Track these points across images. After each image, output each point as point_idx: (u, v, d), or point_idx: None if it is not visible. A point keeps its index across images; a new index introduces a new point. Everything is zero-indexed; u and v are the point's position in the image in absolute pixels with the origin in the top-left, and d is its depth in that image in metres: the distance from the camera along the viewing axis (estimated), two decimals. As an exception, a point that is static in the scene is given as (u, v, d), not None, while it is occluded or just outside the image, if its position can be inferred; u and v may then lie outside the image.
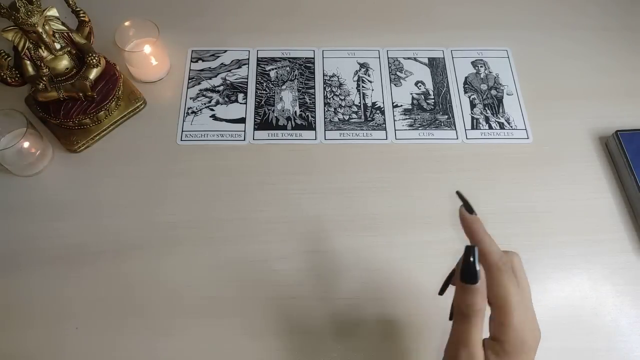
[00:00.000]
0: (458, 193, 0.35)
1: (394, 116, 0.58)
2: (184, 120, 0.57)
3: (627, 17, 0.66)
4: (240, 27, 0.64)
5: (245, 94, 0.59)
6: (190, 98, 0.58)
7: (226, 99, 0.58)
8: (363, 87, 0.60)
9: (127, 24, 0.57)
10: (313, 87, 0.59)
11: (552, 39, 0.64)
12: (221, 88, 0.59)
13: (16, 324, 0.45)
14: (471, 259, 0.31)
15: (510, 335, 0.30)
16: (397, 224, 0.51)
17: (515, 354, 0.30)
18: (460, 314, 0.31)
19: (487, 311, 0.31)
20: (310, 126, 0.57)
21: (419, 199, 0.52)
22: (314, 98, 0.59)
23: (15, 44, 0.48)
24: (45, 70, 0.49)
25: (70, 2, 0.51)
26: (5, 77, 0.50)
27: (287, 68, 0.61)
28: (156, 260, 0.48)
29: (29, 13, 0.46)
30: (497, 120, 0.58)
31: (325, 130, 0.57)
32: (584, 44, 0.64)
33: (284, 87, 0.59)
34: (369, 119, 0.57)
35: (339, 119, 0.57)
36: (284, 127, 0.57)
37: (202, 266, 0.48)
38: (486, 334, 0.32)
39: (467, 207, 0.34)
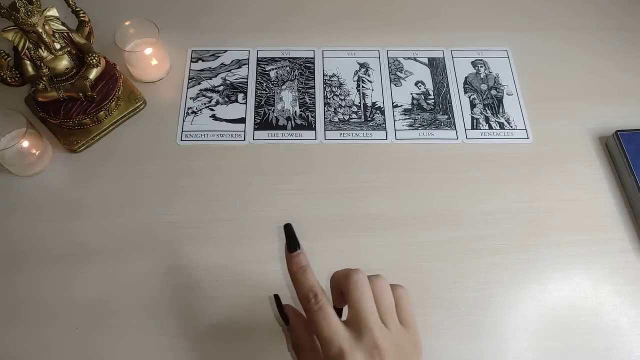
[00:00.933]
0: (286, 227, 0.35)
1: (394, 116, 0.58)
2: (184, 120, 0.57)
3: (627, 17, 0.66)
4: (241, 27, 0.64)
5: (245, 94, 0.59)
6: (190, 98, 0.58)
7: (226, 99, 0.58)
8: (363, 87, 0.60)
9: (127, 24, 0.57)
10: (313, 87, 0.59)
11: (552, 39, 0.64)
12: (221, 88, 0.59)
13: (16, 323, 0.45)
14: (277, 308, 0.37)
15: (324, 355, 0.31)
16: (397, 224, 0.51)
17: None
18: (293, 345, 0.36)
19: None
20: (310, 126, 0.57)
21: (419, 199, 0.52)
22: (314, 98, 0.59)
23: (15, 44, 0.48)
24: (45, 70, 0.49)
25: (70, 2, 0.51)
26: (5, 77, 0.50)
27: (287, 68, 0.61)
28: (156, 260, 0.48)
29: (29, 13, 0.46)
30: (497, 120, 0.58)
31: (325, 130, 0.57)
32: (584, 44, 0.64)
33: (284, 87, 0.59)
34: (369, 119, 0.57)
35: (339, 119, 0.57)
36: (284, 127, 0.57)
37: (202, 266, 0.48)
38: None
39: (289, 245, 0.35)
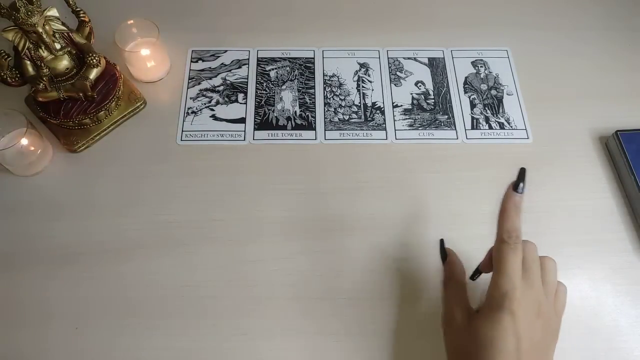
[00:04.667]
0: (521, 169, 0.39)
1: (394, 116, 0.58)
2: (184, 120, 0.57)
3: (627, 17, 0.66)
4: (241, 27, 0.64)
5: (245, 94, 0.59)
6: (190, 98, 0.58)
7: (226, 99, 0.58)
8: (363, 87, 0.60)
9: (127, 24, 0.57)
10: (313, 87, 0.59)
11: (552, 39, 0.64)
12: (221, 88, 0.59)
13: (16, 323, 0.45)
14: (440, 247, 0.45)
15: (491, 290, 0.35)
16: (397, 224, 0.51)
17: (489, 307, 0.35)
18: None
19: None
20: (310, 126, 0.57)
21: (418, 199, 0.52)
22: (314, 98, 0.59)
23: (15, 44, 0.48)
24: (45, 70, 0.49)
25: (70, 2, 0.51)
26: (5, 77, 0.50)
27: (287, 68, 0.61)
28: (156, 260, 0.48)
29: (29, 13, 0.46)
30: (497, 120, 0.58)
31: (325, 130, 0.57)
32: (584, 44, 0.64)
33: (284, 87, 0.59)
34: (369, 119, 0.57)
35: (339, 119, 0.57)
36: (284, 127, 0.57)
37: (202, 266, 0.48)
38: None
39: (516, 183, 0.39)
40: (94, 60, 0.51)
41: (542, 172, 0.54)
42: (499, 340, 0.33)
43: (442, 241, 0.45)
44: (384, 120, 0.57)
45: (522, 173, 0.39)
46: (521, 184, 0.39)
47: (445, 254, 0.44)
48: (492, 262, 0.37)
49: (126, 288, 0.47)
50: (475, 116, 0.58)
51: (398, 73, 0.61)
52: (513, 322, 0.33)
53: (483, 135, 0.57)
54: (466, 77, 0.61)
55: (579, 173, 0.55)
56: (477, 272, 0.44)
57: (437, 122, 0.58)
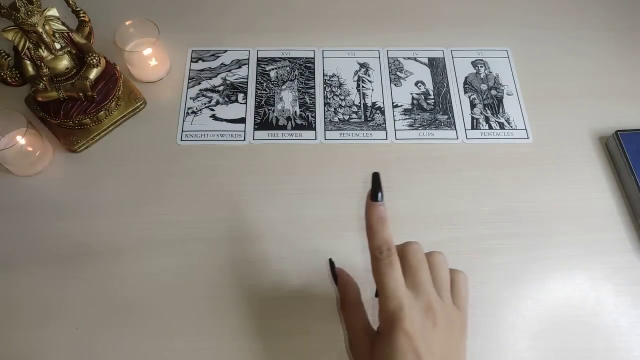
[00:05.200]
0: (374, 175, 0.35)
1: (394, 116, 0.58)
2: (184, 120, 0.57)
3: (627, 17, 0.66)
4: (241, 27, 0.64)
5: (245, 94, 0.59)
6: (190, 98, 0.58)
7: (226, 99, 0.58)
8: (363, 87, 0.60)
9: (127, 24, 0.57)
10: (313, 87, 0.59)
11: (552, 39, 0.64)
12: (221, 88, 0.59)
13: (16, 323, 0.45)
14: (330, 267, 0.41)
15: (380, 313, 0.33)
16: (396, 224, 0.51)
17: (383, 331, 0.33)
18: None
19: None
20: (310, 126, 0.57)
21: (418, 199, 0.52)
22: (314, 98, 0.59)
23: (15, 44, 0.48)
24: (45, 70, 0.49)
25: (70, 2, 0.51)
26: (5, 77, 0.50)
27: (287, 68, 0.61)
28: (157, 260, 0.48)
29: (29, 13, 0.46)
30: (497, 120, 0.58)
31: (325, 130, 0.57)
32: (584, 44, 0.64)
33: (284, 87, 0.59)
34: (369, 119, 0.57)
35: (339, 119, 0.57)
36: (284, 127, 0.57)
37: (202, 266, 0.48)
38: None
39: (373, 192, 0.35)
40: (94, 60, 0.51)
41: (542, 172, 0.54)
42: None
43: (331, 261, 0.42)
44: (384, 120, 0.57)
45: (375, 179, 0.35)
46: (379, 193, 0.35)
47: (335, 275, 0.41)
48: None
49: (126, 288, 0.47)
50: (475, 116, 0.58)
51: (398, 73, 0.61)
52: (409, 342, 0.31)
53: (483, 135, 0.57)
54: (466, 77, 0.61)
55: (579, 173, 0.55)
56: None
57: (437, 122, 0.58)
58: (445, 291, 0.35)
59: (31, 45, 0.49)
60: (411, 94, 0.60)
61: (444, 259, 0.36)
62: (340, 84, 0.60)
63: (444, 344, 0.32)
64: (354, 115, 0.58)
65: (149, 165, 0.54)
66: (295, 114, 0.58)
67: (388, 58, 0.62)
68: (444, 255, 0.37)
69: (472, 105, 0.59)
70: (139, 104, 0.57)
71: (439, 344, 0.32)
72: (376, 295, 0.38)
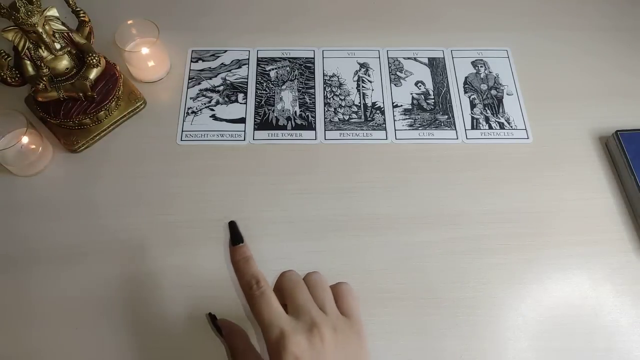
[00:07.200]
0: (230, 224, 0.37)
1: (394, 116, 0.58)
2: (184, 120, 0.57)
3: (627, 18, 0.66)
4: (241, 27, 0.64)
5: (245, 94, 0.59)
6: (190, 98, 0.58)
7: (226, 99, 0.58)
8: (363, 87, 0.60)
9: (127, 23, 0.57)
10: (313, 87, 0.59)
11: (552, 39, 0.64)
12: (221, 88, 0.59)
13: (16, 324, 0.45)
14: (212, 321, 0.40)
15: (266, 346, 0.32)
16: (397, 224, 0.51)
17: (270, 354, 0.32)
18: None
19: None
20: (310, 126, 0.57)
21: (419, 199, 0.52)
22: (314, 98, 0.59)
23: (15, 44, 0.48)
24: (45, 70, 0.49)
25: (70, 2, 0.51)
26: (5, 77, 0.50)
27: (287, 68, 0.61)
28: (157, 260, 0.48)
29: (29, 13, 0.46)
30: (497, 120, 0.58)
31: (325, 130, 0.57)
32: (585, 44, 0.64)
33: (284, 87, 0.59)
34: (369, 119, 0.57)
35: (339, 119, 0.57)
36: (284, 127, 0.57)
37: (202, 266, 0.48)
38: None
39: (233, 241, 0.36)
40: (94, 60, 0.51)
41: (542, 172, 0.54)
42: None
43: (211, 315, 0.41)
44: (384, 120, 0.57)
45: (232, 228, 0.37)
46: (236, 237, 0.36)
47: (219, 327, 0.40)
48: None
49: (126, 288, 0.47)
50: (475, 116, 0.58)
51: (398, 73, 0.61)
52: None
53: (483, 135, 0.57)
54: (466, 77, 0.61)
55: (578, 173, 0.55)
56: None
57: (437, 122, 0.58)
58: (328, 304, 0.34)
59: (31, 46, 0.49)
60: (411, 94, 0.60)
61: (319, 275, 0.36)
62: (340, 84, 0.60)
63: (340, 354, 0.32)
64: (354, 115, 0.58)
65: (149, 165, 0.54)
66: (295, 114, 0.58)
67: (388, 58, 0.62)
68: (319, 272, 0.36)
69: (472, 105, 0.59)
70: (139, 104, 0.57)
71: (333, 357, 0.31)
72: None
